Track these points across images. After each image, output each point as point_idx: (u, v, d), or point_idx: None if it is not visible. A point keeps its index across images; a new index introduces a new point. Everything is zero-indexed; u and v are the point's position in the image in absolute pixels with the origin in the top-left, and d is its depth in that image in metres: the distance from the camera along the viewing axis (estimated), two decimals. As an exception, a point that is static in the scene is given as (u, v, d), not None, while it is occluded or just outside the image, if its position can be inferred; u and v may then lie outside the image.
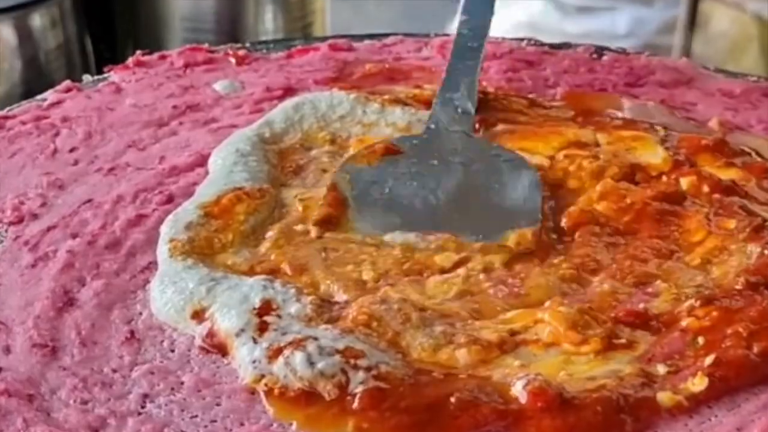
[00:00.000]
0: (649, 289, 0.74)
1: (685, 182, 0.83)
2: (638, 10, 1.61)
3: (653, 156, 0.88)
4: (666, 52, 1.47)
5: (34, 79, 1.49)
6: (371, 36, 1.11)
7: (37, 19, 1.49)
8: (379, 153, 0.87)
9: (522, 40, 1.10)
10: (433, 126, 0.90)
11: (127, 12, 1.67)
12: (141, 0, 1.64)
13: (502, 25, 1.38)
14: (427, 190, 0.83)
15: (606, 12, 1.62)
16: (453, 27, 1.10)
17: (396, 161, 0.86)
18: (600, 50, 1.08)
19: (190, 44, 1.09)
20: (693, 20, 1.56)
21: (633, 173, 0.85)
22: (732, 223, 0.79)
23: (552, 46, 1.09)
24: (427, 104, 0.95)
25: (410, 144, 0.88)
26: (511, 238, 0.79)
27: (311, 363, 0.66)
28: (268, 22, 1.63)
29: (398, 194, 0.83)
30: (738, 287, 0.73)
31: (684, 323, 0.70)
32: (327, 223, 0.80)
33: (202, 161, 0.89)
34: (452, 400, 0.65)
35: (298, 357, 0.67)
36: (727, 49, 1.58)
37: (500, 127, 0.92)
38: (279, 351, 0.68)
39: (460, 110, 0.91)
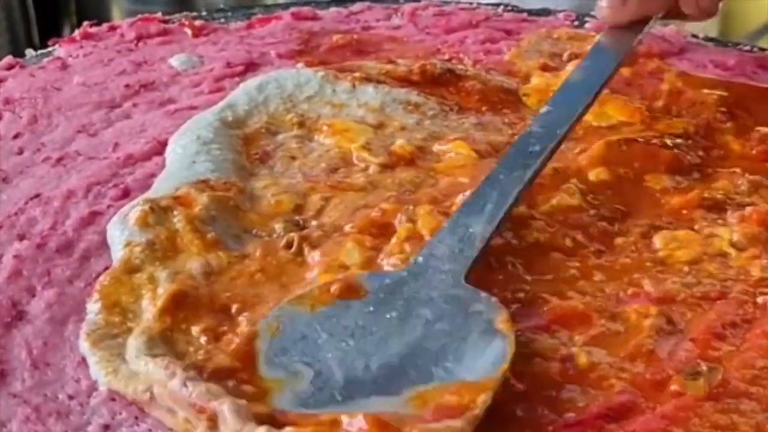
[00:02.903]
0: None
1: None
2: None
3: None
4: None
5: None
6: (337, 2, 1.04)
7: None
8: (335, 294, 0.65)
9: (498, 5, 1.03)
10: (420, 259, 0.67)
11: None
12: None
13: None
14: (361, 355, 0.62)
15: None
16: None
17: (348, 307, 0.65)
18: (581, 17, 1.01)
19: (135, 13, 1.01)
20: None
21: None
22: None
23: (531, 12, 1.02)
24: (401, 81, 0.88)
25: (378, 284, 0.66)
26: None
27: None
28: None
29: (320, 358, 0.62)
30: None
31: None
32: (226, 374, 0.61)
33: (159, 149, 0.81)
34: None
35: None
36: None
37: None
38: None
39: (467, 239, 0.68)
